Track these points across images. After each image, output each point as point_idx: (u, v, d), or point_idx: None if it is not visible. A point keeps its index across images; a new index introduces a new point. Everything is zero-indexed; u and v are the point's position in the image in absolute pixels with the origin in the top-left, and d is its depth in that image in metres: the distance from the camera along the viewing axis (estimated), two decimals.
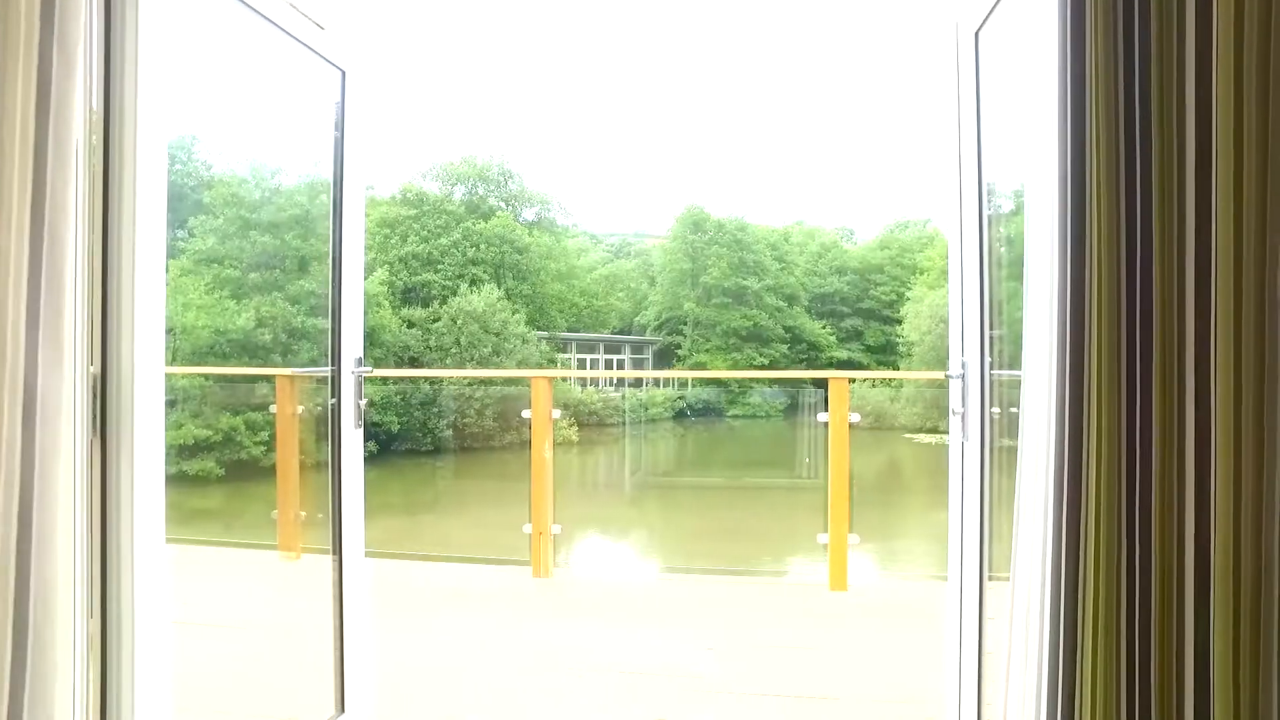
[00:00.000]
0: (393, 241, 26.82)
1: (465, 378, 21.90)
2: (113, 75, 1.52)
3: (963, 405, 2.05)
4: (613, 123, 38.65)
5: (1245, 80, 1.11)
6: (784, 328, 29.19)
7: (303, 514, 5.26)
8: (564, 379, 23.95)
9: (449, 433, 21.59)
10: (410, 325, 25.25)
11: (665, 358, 29.89)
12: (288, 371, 5.25)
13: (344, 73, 2.35)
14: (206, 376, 12.93)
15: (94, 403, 1.46)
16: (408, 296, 26.30)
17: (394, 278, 25.91)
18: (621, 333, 30.95)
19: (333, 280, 2.42)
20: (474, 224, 28.07)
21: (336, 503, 2.39)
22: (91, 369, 1.43)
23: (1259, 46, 1.11)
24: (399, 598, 4.04)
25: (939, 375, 3.58)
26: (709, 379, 30.19)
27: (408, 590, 4.34)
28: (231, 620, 3.60)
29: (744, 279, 28.93)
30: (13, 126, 1.21)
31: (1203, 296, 1.13)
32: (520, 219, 30.44)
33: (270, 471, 5.04)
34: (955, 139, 2.11)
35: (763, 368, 27.87)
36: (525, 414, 4.73)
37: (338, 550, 2.47)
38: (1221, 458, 1.12)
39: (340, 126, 2.39)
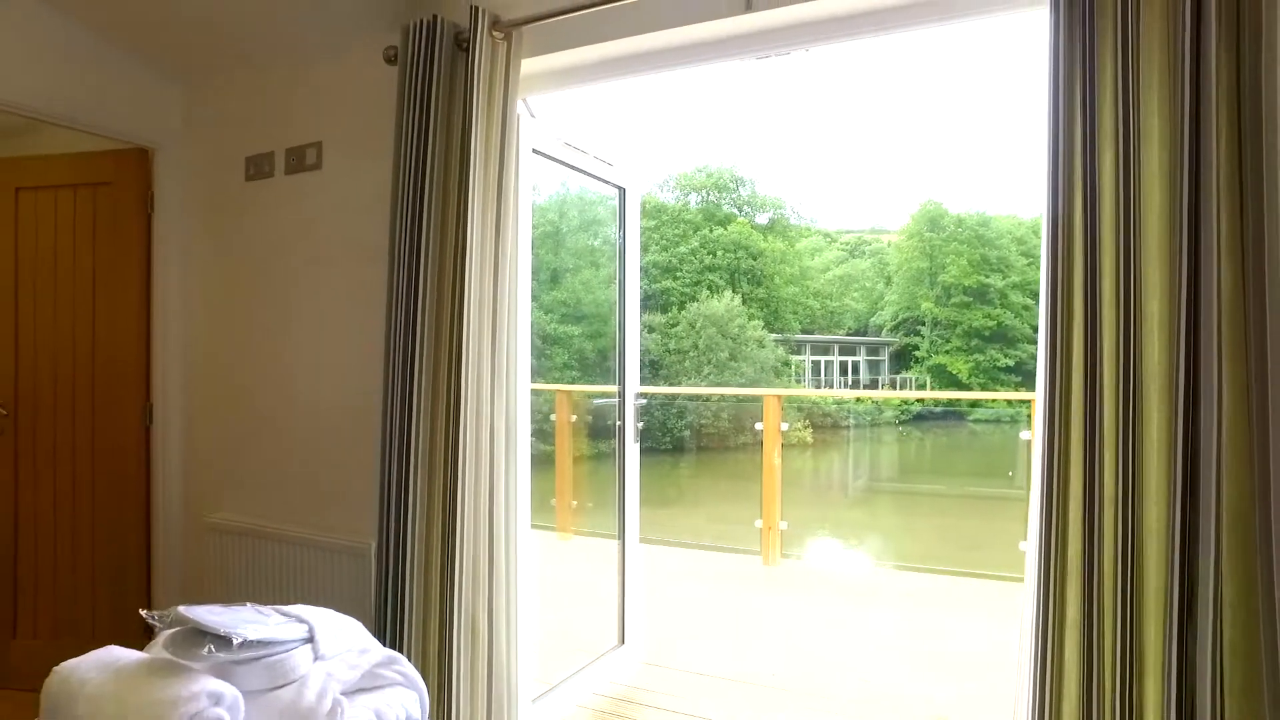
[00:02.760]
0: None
1: (702, 385, 23.12)
2: (504, 200, 2.49)
3: None
4: (844, 120, 38.17)
5: None
6: (1031, 327, 27.47)
7: (574, 502, 6.51)
8: (797, 381, 24.39)
9: (687, 434, 22.89)
10: (651, 330, 26.95)
11: (902, 359, 29.29)
12: (565, 387, 6.47)
13: (624, 190, 3.30)
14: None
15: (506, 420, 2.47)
16: (648, 303, 28.06)
17: None
18: (856, 334, 30.74)
19: (618, 334, 3.38)
20: (710, 231, 29.27)
21: (621, 498, 3.36)
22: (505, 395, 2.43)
23: None
24: (648, 574, 5.07)
25: None
26: (941, 382, 29.11)
27: (654, 569, 5.33)
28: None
29: (986, 276, 27.62)
30: (480, 237, 2.23)
31: None
32: (754, 223, 31.21)
33: (550, 466, 6.28)
34: None
35: (1007, 370, 26.48)
36: (758, 426, 5.55)
37: (621, 534, 3.45)
38: None
39: (622, 226, 3.35)
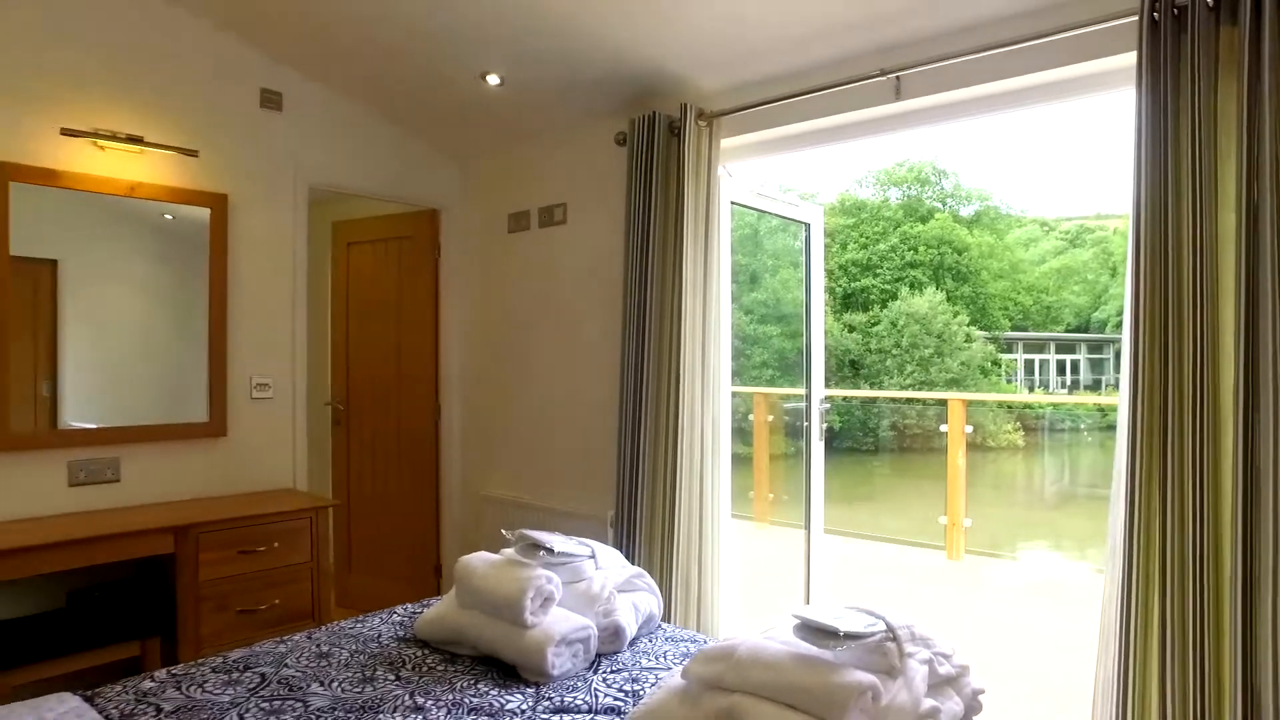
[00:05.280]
0: (833, 250, 28.55)
1: (902, 386, 22.72)
2: (710, 244, 3.16)
3: None
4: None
5: None
6: None
7: (770, 495, 7.12)
8: (1008, 382, 23.26)
9: (890, 434, 22.63)
10: (850, 330, 26.74)
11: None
12: (763, 390, 7.10)
13: (809, 225, 3.87)
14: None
15: (711, 420, 3.14)
16: (848, 302, 27.83)
17: (834, 284, 27.63)
18: (1076, 330, 28.69)
19: (805, 344, 3.95)
20: (911, 227, 28.52)
21: (808, 493, 3.93)
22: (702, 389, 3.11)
23: None
24: (839, 564, 5.53)
25: None
26: None
27: (844, 559, 5.81)
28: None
29: None
30: (692, 275, 2.92)
31: None
32: (958, 217, 29.95)
33: (748, 463, 6.91)
34: None
35: None
36: (942, 427, 5.87)
37: (807, 524, 4.00)
38: None
39: (807, 253, 3.92)
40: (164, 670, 1.96)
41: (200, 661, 2.01)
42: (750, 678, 1.52)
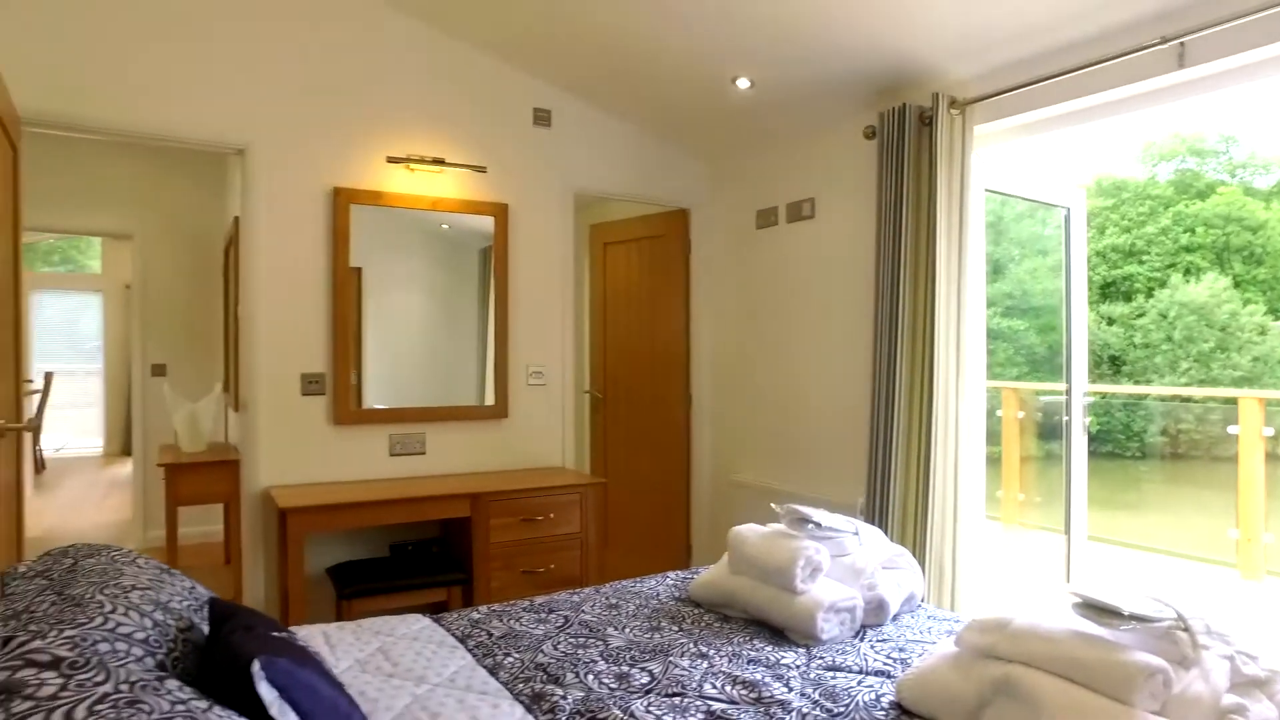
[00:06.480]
0: (1089, 235, 26.00)
1: (1177, 385, 20.24)
2: (963, 235, 3.13)
3: None
4: None
5: None
6: None
7: (1020, 495, 6.75)
8: None
9: (1159, 438, 20.26)
10: (1110, 322, 24.21)
11: None
12: (1012, 385, 6.73)
13: (1068, 209, 3.68)
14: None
15: (965, 414, 3.11)
16: (1106, 292, 25.20)
17: (1091, 273, 25.14)
18: None
19: (1064, 335, 3.76)
20: (1187, 205, 25.26)
21: (1068, 495, 3.73)
22: (946, 384, 3.08)
23: None
24: (1104, 574, 5.12)
25: None
26: None
27: (1110, 569, 5.36)
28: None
29: None
30: (946, 266, 2.92)
31: None
32: (1250, 189, 26.09)
33: (996, 462, 6.59)
34: None
35: None
36: (1231, 429, 5.25)
37: (1068, 529, 3.81)
38: None
39: (1067, 242, 3.72)
40: (485, 606, 2.33)
41: (512, 603, 2.36)
42: (1026, 648, 1.55)
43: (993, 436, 6.64)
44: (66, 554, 1.58)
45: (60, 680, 0.88)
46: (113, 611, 1.31)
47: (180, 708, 0.92)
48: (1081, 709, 1.42)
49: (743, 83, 3.50)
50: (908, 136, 3.10)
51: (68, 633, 0.98)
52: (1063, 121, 2.92)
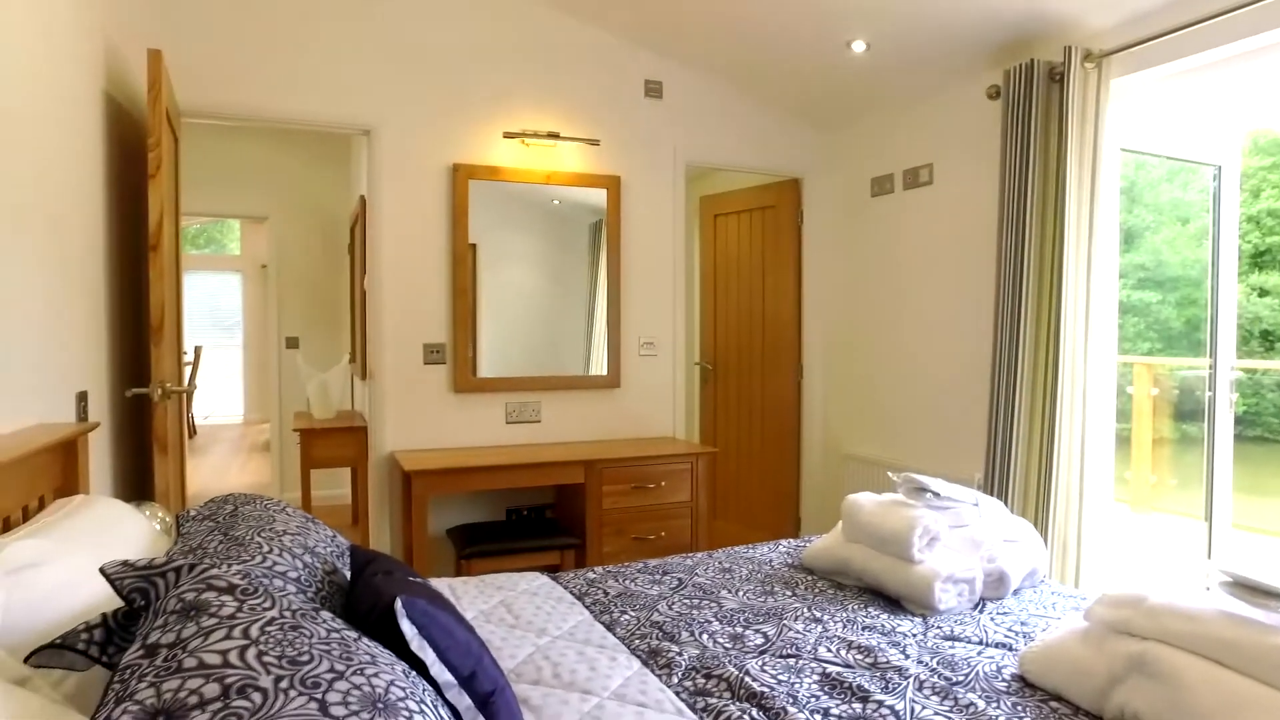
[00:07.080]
0: (1241, 199, 23.93)
1: None
2: (1095, 198, 2.96)
3: None
4: None
5: None
6: None
7: (1152, 478, 6.37)
8: None
9: None
10: (1262, 294, 22.27)
11: None
12: (1145, 360, 6.34)
13: (1219, 169, 3.41)
14: None
15: (1094, 389, 2.96)
16: (1258, 261, 23.16)
17: (1242, 240, 23.13)
18: None
19: (1210, 304, 3.51)
20: None
21: (1209, 478, 3.50)
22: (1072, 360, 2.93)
23: None
24: (1253, 565, 4.77)
25: None
26: None
27: (1260, 560, 4.99)
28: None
29: None
30: (1076, 232, 2.78)
31: None
32: None
33: (1125, 441, 6.22)
34: None
35: None
36: None
37: (1209, 516, 3.58)
38: None
39: (1216, 206, 3.46)
40: (600, 567, 2.40)
41: (626, 564, 2.43)
42: (1165, 626, 1.48)
43: (1122, 415, 6.27)
44: (228, 501, 1.73)
45: (236, 603, 0.98)
46: (270, 552, 1.44)
47: (335, 635, 1.00)
48: (1232, 693, 1.35)
49: (858, 45, 3.40)
50: (1036, 95, 2.95)
51: (235, 567, 1.09)
52: (1214, 71, 2.70)
